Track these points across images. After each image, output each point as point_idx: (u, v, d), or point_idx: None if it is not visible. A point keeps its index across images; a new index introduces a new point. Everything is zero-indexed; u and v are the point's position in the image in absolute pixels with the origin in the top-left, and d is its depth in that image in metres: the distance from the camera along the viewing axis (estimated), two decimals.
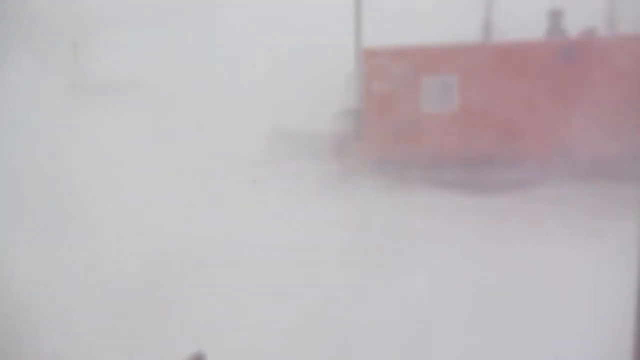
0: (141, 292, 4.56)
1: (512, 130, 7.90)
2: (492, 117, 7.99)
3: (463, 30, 8.23)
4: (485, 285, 5.25)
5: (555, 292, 4.82)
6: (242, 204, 6.89)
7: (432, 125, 8.30)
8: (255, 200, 7.01)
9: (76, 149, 6.75)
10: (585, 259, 5.32)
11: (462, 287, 5.22)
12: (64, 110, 7.46)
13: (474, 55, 8.19)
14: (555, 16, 8.03)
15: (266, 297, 4.98)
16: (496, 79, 8.01)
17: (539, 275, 5.09)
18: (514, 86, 8.03)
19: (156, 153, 7.35)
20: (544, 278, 5.04)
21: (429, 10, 8.56)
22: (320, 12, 8.71)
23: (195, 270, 5.01)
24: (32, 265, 4.94)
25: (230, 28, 8.68)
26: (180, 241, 5.35)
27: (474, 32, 8.41)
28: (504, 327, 4.77)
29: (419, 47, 8.37)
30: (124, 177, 6.42)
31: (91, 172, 6.46)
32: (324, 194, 7.41)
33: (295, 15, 8.78)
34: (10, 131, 6.57)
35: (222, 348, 3.97)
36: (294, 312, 4.75)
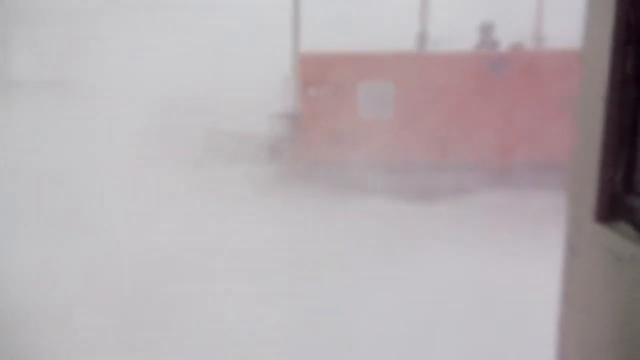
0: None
1: (445, 138, 8.13)
2: (426, 124, 8.20)
3: (399, 39, 8.41)
4: (423, 289, 5.39)
5: (491, 297, 5.01)
6: (175, 208, 6.79)
7: (368, 131, 8.41)
8: (188, 204, 6.90)
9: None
10: (519, 264, 5.56)
11: (399, 291, 5.34)
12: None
13: (408, 64, 8.38)
14: (485, 29, 8.33)
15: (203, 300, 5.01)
16: (429, 87, 8.24)
17: (475, 280, 5.26)
18: (446, 95, 8.30)
19: (86, 155, 7.13)
20: (479, 282, 5.21)
21: (366, 17, 8.70)
22: (258, 16, 8.68)
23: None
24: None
25: (165, 29, 8.51)
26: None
27: (410, 41, 8.60)
28: (439, 328, 4.92)
29: (356, 53, 8.46)
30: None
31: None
32: (260, 197, 7.38)
33: (232, 18, 8.71)
34: None
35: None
36: (235, 312, 4.82)
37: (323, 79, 8.70)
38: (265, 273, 5.54)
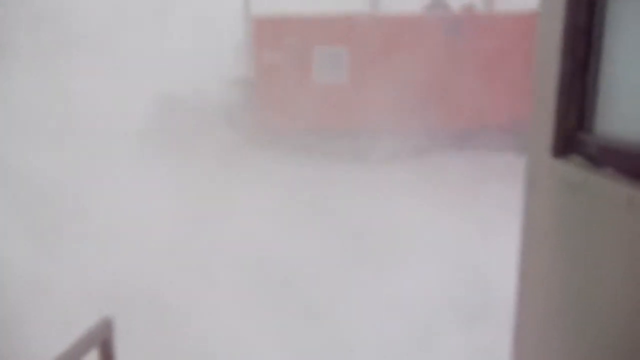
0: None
1: (399, 102, 8.26)
2: (380, 89, 8.31)
3: (353, 1, 8.41)
4: (379, 243, 5.61)
5: (442, 253, 5.25)
6: (130, 177, 6.77)
7: (323, 96, 8.47)
8: (145, 172, 6.87)
9: None
10: (468, 223, 5.81)
11: (360, 248, 5.55)
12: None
13: (361, 27, 8.42)
14: None
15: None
16: (383, 51, 8.32)
17: (429, 238, 5.49)
18: (400, 59, 8.40)
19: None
20: (432, 240, 5.44)
21: None
22: None
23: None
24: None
25: None
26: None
27: (364, 3, 8.60)
28: (382, 274, 5.16)
29: (309, 16, 8.42)
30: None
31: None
32: (220, 166, 7.39)
33: None
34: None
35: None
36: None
37: (277, 44, 8.65)
38: (238, 240, 5.70)
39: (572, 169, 1.20)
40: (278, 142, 8.46)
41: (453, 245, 5.50)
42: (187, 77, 8.35)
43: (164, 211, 5.88)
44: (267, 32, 8.57)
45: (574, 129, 1.23)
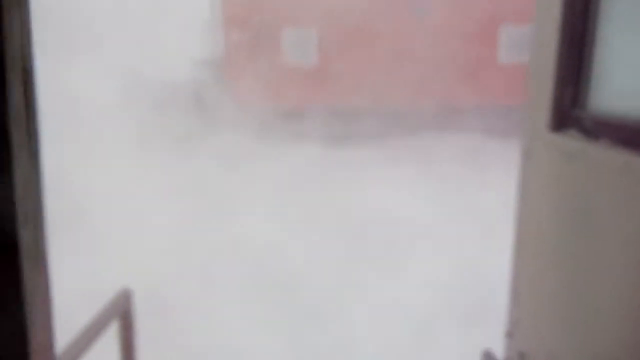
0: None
1: (373, 84, 8.31)
2: (351, 70, 8.33)
3: None
4: (352, 229, 5.73)
5: (424, 239, 5.37)
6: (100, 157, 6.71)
7: (293, 77, 8.44)
8: (116, 153, 6.82)
9: None
10: (457, 208, 5.93)
11: (334, 231, 5.66)
12: None
13: (331, 8, 8.42)
14: None
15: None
16: (354, 32, 8.33)
17: (413, 225, 5.60)
18: (371, 38, 8.43)
19: None
20: (416, 226, 5.56)
21: None
22: None
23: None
24: None
25: None
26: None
27: None
28: (361, 250, 5.26)
29: None
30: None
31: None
32: (192, 146, 7.36)
33: None
34: None
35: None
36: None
37: (246, 23, 8.56)
38: (213, 221, 5.75)
39: (569, 140, 1.32)
40: (250, 123, 8.45)
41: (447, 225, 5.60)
42: (156, 59, 8.25)
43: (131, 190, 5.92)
44: (237, 10, 8.48)
45: (570, 105, 1.36)
